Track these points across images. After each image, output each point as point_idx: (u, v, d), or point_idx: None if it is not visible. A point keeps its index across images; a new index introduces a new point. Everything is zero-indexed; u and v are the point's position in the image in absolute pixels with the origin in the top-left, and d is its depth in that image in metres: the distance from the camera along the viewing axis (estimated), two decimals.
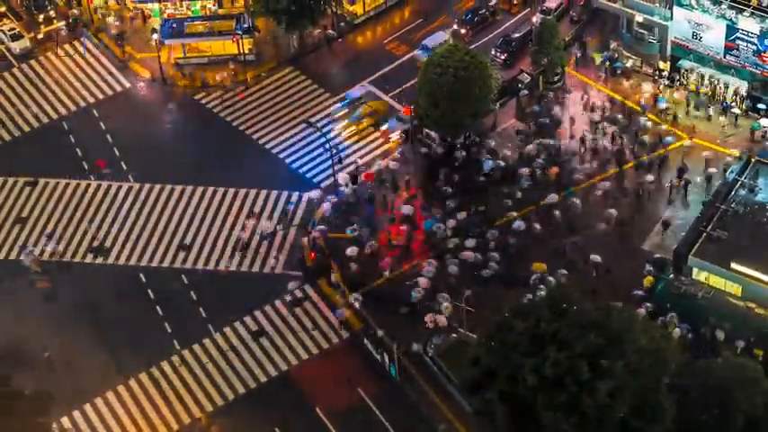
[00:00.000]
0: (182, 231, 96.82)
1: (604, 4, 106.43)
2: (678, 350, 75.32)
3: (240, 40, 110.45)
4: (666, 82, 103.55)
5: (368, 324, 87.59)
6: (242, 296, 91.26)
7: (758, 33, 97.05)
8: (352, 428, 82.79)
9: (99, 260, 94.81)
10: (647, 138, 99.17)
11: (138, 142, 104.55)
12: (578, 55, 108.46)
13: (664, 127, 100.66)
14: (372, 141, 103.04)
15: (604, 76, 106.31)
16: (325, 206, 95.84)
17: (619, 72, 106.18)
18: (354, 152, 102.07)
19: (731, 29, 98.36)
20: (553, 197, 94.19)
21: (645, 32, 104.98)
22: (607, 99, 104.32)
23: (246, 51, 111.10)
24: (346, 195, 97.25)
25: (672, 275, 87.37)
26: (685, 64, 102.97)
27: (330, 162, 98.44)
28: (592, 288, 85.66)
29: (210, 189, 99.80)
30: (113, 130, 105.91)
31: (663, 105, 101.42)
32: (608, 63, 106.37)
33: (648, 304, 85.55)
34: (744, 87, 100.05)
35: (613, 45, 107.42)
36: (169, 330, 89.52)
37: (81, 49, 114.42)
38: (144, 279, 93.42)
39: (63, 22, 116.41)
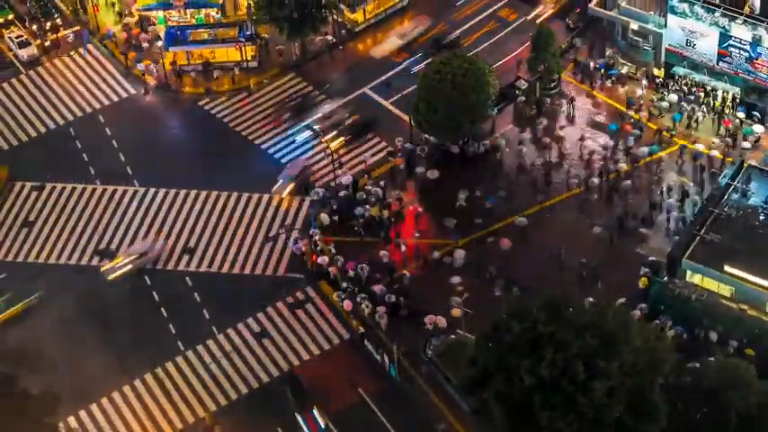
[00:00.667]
0: (186, 234, 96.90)
1: (600, 12, 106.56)
2: (672, 350, 75.44)
3: (243, 48, 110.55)
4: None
5: (368, 325, 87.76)
6: (245, 298, 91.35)
7: (750, 41, 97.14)
8: (353, 428, 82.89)
9: (105, 262, 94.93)
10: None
11: (142, 147, 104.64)
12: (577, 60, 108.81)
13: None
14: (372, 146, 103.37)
15: (600, 82, 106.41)
16: (324, 216, 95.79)
17: (614, 79, 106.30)
18: (355, 156, 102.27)
19: (724, 36, 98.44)
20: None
21: (640, 40, 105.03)
22: (603, 105, 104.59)
23: (249, 58, 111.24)
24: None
25: (666, 278, 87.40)
26: (679, 71, 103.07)
27: (331, 166, 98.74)
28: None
29: (214, 193, 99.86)
30: (119, 135, 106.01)
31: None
32: (603, 70, 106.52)
33: (643, 305, 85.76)
34: (735, 92, 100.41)
35: (609, 52, 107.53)
36: (173, 331, 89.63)
37: (81, 50, 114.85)
38: (149, 281, 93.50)
39: (70, 30, 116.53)
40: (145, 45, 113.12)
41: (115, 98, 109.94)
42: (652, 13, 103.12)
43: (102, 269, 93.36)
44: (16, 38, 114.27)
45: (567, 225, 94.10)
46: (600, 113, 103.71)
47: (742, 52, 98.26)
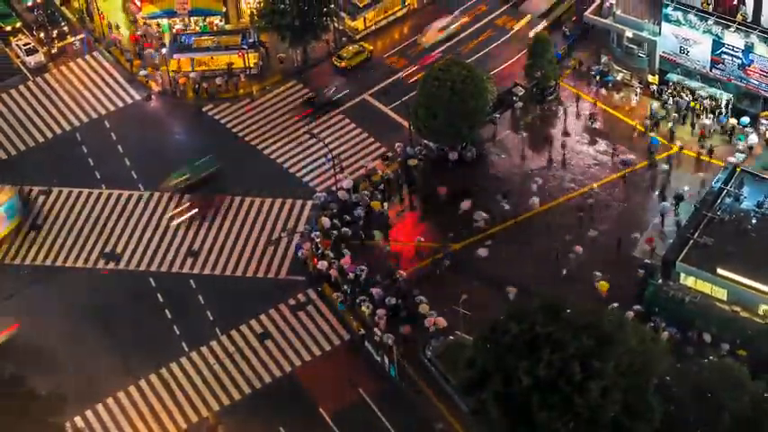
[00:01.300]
0: (190, 238, 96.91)
1: (595, 19, 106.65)
2: (667, 352, 75.44)
3: (246, 55, 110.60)
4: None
5: (369, 327, 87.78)
6: (248, 300, 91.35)
7: (743, 48, 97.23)
8: (354, 427, 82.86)
9: (111, 265, 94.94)
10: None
11: (147, 152, 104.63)
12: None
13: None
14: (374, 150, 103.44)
15: (596, 89, 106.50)
16: (325, 219, 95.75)
17: (610, 85, 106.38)
18: (356, 161, 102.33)
19: (717, 44, 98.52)
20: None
21: (634, 47, 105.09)
22: (598, 111, 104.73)
23: (252, 65, 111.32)
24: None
25: (660, 280, 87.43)
26: (673, 77, 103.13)
27: (331, 170, 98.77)
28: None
29: (217, 197, 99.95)
30: (124, 140, 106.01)
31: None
32: (599, 77, 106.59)
33: (637, 306, 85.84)
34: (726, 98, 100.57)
35: (604, 59, 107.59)
36: (178, 333, 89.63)
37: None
38: (153, 283, 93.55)
39: (77, 37, 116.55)
40: (149, 53, 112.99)
41: (120, 104, 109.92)
42: (647, 21, 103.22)
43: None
44: (24, 45, 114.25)
45: (564, 229, 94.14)
46: (596, 120, 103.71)
47: (734, 59, 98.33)
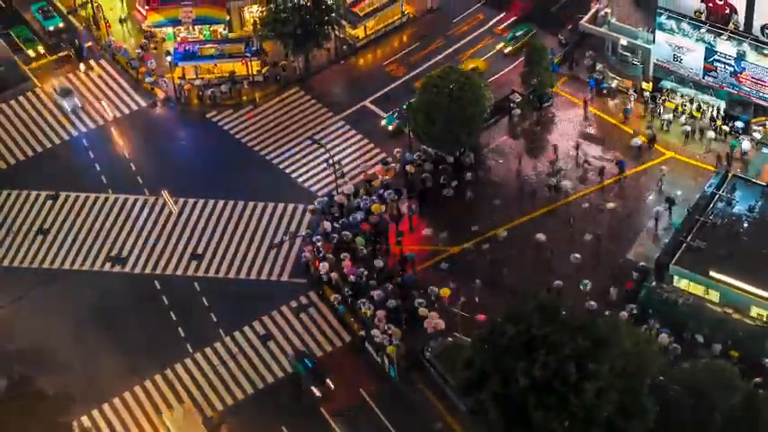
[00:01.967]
0: (194, 241, 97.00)
1: (591, 28, 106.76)
2: (661, 353, 75.47)
3: (249, 62, 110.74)
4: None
5: (369, 328, 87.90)
6: (250, 302, 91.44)
7: (735, 56, 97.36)
8: (354, 426, 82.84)
9: (117, 268, 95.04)
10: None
11: (152, 158, 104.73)
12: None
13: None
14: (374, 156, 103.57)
15: (591, 95, 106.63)
16: (326, 224, 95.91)
17: (605, 92, 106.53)
18: (357, 166, 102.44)
19: (710, 51, 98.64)
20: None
21: (629, 55, 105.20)
22: (594, 117, 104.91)
23: (255, 73, 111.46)
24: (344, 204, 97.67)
25: (654, 283, 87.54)
26: (667, 84, 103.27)
27: (333, 175, 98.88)
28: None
29: (221, 202, 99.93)
30: (130, 146, 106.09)
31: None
32: (594, 84, 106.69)
33: (631, 305, 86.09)
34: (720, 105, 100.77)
35: (599, 67, 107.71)
36: (182, 334, 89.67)
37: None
38: (159, 286, 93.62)
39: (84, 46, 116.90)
40: (151, 63, 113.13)
41: (126, 111, 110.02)
42: (641, 29, 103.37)
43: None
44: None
45: (560, 232, 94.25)
46: (591, 125, 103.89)
47: (727, 67, 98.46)
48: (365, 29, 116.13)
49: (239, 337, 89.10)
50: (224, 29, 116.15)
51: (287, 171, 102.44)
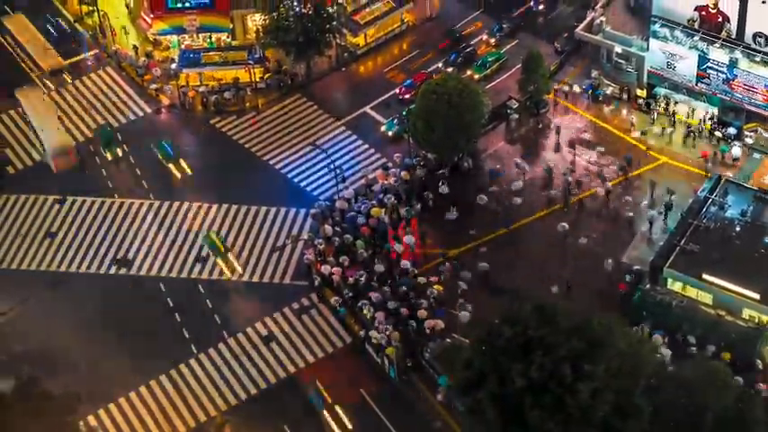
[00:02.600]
0: (198, 245, 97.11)
1: (586, 36, 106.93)
2: (654, 354, 75.52)
3: (252, 69, 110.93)
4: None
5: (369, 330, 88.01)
6: (253, 304, 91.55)
7: (727, 63, 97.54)
8: (355, 426, 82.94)
9: (122, 271, 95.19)
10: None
11: (157, 163, 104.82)
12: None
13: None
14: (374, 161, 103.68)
15: (587, 102, 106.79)
16: (327, 227, 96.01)
17: (600, 99, 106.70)
18: (359, 171, 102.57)
19: (703, 59, 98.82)
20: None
21: (623, 62, 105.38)
22: (589, 124, 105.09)
23: (258, 79, 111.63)
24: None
25: (648, 286, 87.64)
26: (660, 91, 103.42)
27: (334, 180, 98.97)
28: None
29: (224, 206, 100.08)
30: (135, 151, 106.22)
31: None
32: (590, 91, 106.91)
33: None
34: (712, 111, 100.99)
35: (594, 74, 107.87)
36: (187, 336, 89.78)
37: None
38: (163, 288, 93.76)
39: (90, 53, 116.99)
40: (156, 71, 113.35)
41: (132, 117, 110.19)
42: (635, 37, 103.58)
43: None
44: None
45: (556, 237, 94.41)
46: (586, 131, 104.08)
47: (719, 74, 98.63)
48: (366, 37, 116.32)
49: (242, 338, 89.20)
50: (227, 37, 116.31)
51: (289, 176, 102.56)
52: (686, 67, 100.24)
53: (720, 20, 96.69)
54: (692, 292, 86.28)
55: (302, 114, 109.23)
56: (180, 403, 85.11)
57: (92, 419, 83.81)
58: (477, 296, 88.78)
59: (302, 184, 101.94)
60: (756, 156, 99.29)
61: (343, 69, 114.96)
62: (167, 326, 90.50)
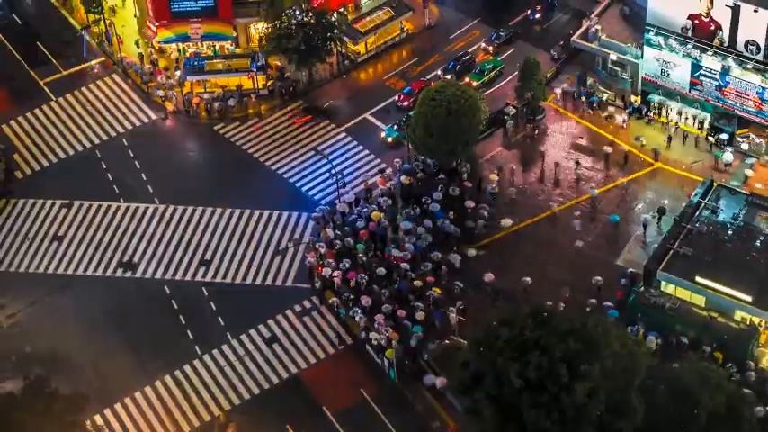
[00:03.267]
0: (202, 248, 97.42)
1: (582, 44, 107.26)
2: (648, 354, 75.75)
3: (255, 77, 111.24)
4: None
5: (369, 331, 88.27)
6: (256, 306, 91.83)
7: (719, 70, 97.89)
8: (356, 425, 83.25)
9: (128, 274, 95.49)
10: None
11: (162, 168, 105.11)
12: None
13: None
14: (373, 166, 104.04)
15: (582, 109, 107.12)
16: (329, 231, 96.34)
17: (595, 105, 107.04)
18: (359, 176, 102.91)
19: (695, 66, 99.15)
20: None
21: (618, 70, 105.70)
22: (585, 130, 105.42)
23: (260, 86, 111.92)
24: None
25: (642, 288, 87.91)
26: (654, 98, 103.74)
27: (334, 184, 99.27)
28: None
29: (228, 210, 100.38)
30: (141, 157, 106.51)
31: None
32: (585, 97, 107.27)
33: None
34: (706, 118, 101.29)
35: (590, 81, 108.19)
36: (191, 337, 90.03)
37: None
38: (168, 291, 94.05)
39: (96, 61, 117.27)
40: (161, 78, 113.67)
41: (137, 123, 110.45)
42: (630, 45, 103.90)
43: None
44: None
45: (551, 240, 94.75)
46: (582, 137, 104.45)
47: (712, 81, 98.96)
48: (366, 45, 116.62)
49: (245, 339, 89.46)
50: (231, 45, 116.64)
51: (291, 180, 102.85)
52: (680, 74, 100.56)
53: (713, 28, 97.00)
54: (685, 295, 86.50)
55: (304, 120, 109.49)
56: (184, 403, 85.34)
57: (98, 419, 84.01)
58: (475, 298, 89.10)
59: (304, 188, 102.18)
60: (748, 161, 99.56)
61: (344, 76, 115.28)
62: (172, 327, 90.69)
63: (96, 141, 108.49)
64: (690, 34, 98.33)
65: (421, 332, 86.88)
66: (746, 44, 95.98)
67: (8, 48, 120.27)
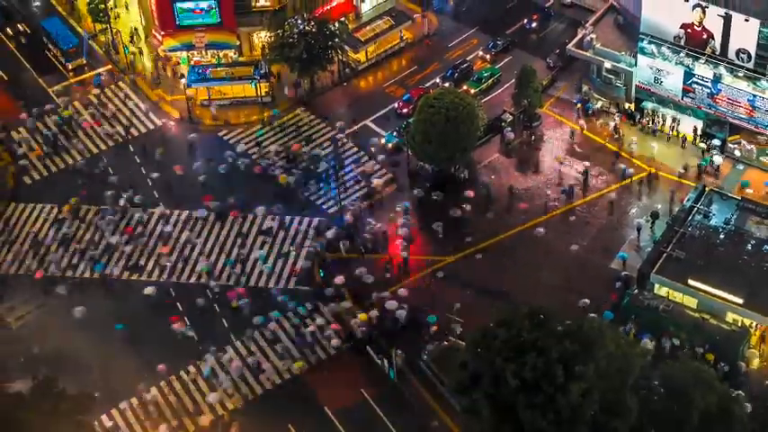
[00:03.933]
0: (206, 251, 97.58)
1: (577, 52, 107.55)
2: (642, 355, 76.00)
3: (258, 85, 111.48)
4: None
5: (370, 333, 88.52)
6: (259, 308, 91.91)
7: (711, 78, 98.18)
8: (356, 425, 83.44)
9: (135, 276, 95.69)
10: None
11: (168, 173, 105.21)
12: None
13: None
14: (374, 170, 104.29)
15: (577, 115, 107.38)
16: (329, 232, 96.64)
17: (590, 112, 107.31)
18: (360, 180, 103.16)
19: (688, 74, 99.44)
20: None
21: (612, 77, 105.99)
22: (579, 136, 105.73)
23: (263, 94, 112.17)
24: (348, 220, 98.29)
25: (636, 290, 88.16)
26: (648, 105, 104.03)
27: (336, 189, 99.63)
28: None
29: (231, 214, 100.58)
30: (147, 163, 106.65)
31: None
32: (580, 104, 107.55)
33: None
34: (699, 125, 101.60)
35: (585, 89, 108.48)
36: (196, 338, 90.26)
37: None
38: (173, 293, 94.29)
39: (103, 68, 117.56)
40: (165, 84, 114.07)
41: (143, 129, 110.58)
42: (624, 53, 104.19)
43: None
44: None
45: (548, 244, 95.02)
46: (577, 143, 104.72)
47: (704, 88, 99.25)
48: (366, 53, 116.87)
49: (248, 340, 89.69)
50: (234, 53, 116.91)
51: (294, 185, 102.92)
52: (673, 82, 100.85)
53: (705, 37, 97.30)
54: (677, 297, 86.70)
55: (306, 127, 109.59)
56: (189, 403, 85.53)
57: (105, 419, 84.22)
58: (472, 301, 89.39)
59: (306, 193, 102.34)
60: (740, 167, 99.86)
61: (345, 84, 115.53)
62: (177, 329, 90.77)
63: (103, 147, 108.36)
64: (683, 43, 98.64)
65: None
66: (738, 52, 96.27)
67: (17, 55, 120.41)
